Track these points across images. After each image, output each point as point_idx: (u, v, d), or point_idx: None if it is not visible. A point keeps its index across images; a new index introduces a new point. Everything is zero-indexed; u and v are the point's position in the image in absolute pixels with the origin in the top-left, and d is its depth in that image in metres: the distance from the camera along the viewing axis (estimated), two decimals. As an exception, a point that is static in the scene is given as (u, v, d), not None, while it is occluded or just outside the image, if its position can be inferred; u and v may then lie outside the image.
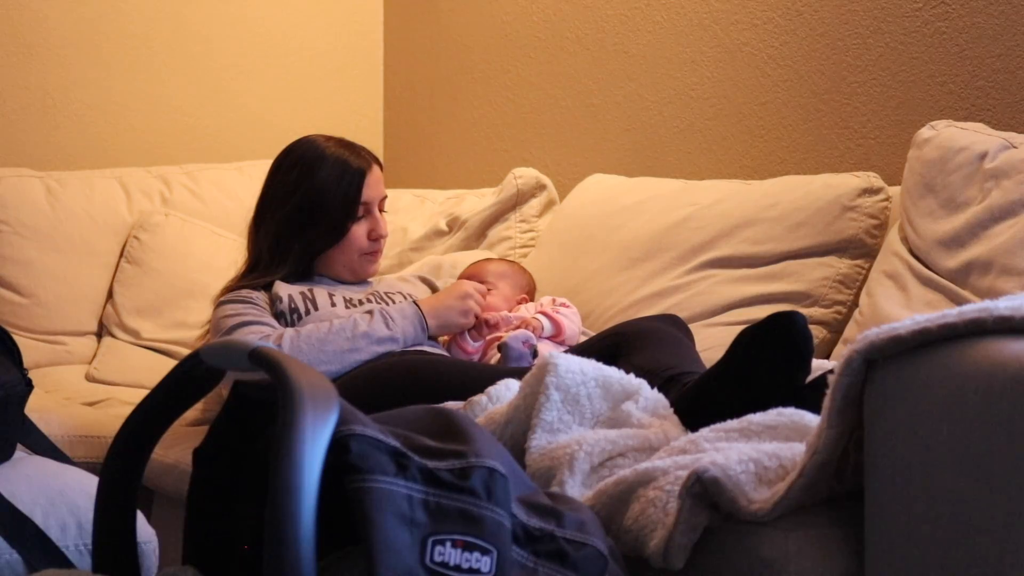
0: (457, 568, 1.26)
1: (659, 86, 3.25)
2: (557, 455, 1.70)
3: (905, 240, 2.48)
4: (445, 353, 2.56)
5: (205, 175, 3.46)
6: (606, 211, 2.98)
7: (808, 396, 1.80)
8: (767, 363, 1.80)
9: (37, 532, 1.74)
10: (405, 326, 2.47)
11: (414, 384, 2.23)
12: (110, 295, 3.23)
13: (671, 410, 1.84)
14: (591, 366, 1.82)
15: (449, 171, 3.77)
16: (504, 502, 1.32)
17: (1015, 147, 2.36)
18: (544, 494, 1.45)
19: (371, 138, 3.83)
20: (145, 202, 3.34)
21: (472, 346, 2.59)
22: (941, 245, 2.38)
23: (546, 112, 3.52)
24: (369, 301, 2.58)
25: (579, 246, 2.97)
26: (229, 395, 1.44)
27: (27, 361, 2.05)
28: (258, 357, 1.32)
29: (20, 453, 1.94)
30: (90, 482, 1.76)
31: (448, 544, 1.26)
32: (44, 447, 2.00)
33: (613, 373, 1.83)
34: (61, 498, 1.81)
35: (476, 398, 1.90)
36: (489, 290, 2.72)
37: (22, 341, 2.37)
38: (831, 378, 1.51)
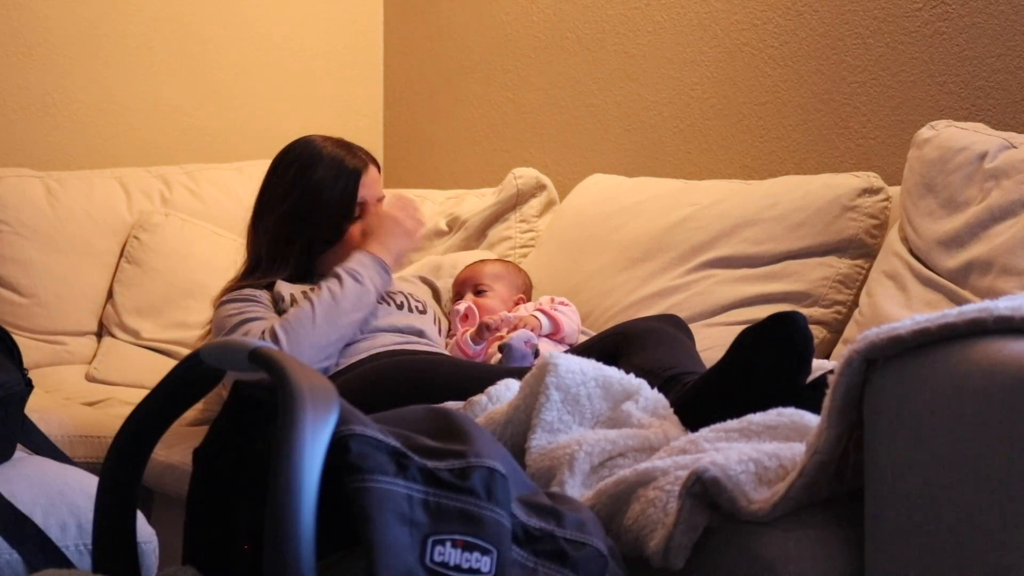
0: (457, 568, 1.26)
1: (659, 86, 3.25)
2: (557, 455, 1.70)
3: (905, 240, 2.48)
4: (446, 353, 2.56)
5: (205, 175, 3.46)
6: (606, 211, 2.98)
7: (808, 396, 1.80)
8: (767, 363, 1.80)
9: (37, 532, 1.74)
10: (371, 275, 2.49)
11: (414, 384, 2.24)
12: (110, 295, 3.23)
13: (671, 410, 1.84)
14: (591, 366, 1.82)
15: (449, 171, 3.77)
16: (504, 502, 1.32)
17: (1015, 147, 2.36)
18: (544, 494, 1.45)
19: (371, 138, 3.83)
20: (145, 202, 3.34)
21: (473, 349, 2.59)
22: (941, 245, 2.38)
23: (546, 112, 3.52)
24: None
25: (579, 246, 2.97)
26: (229, 395, 1.44)
27: (27, 361, 2.05)
28: (258, 357, 1.32)
29: (20, 453, 1.94)
30: (90, 482, 1.76)
31: (448, 544, 1.26)
32: (44, 447, 2.00)
33: (613, 373, 1.83)
34: (61, 498, 1.81)
35: (476, 398, 1.90)
36: (486, 293, 2.73)
37: (22, 341, 2.37)
38: (831, 378, 1.51)
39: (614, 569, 1.42)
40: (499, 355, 2.48)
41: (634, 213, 2.91)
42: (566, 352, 2.14)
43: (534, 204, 3.24)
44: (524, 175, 3.25)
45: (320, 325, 2.41)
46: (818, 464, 1.50)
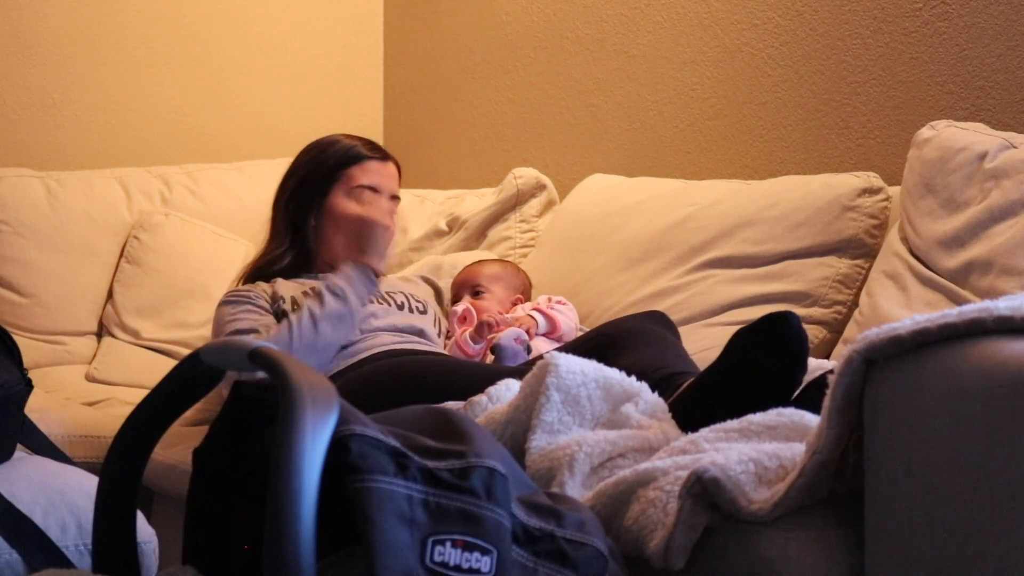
0: (457, 568, 1.26)
1: (659, 86, 3.25)
2: (557, 456, 1.70)
3: (905, 240, 2.48)
4: (445, 354, 2.56)
5: (205, 175, 3.46)
6: (606, 211, 2.98)
7: (808, 396, 1.80)
8: (762, 365, 1.80)
9: (37, 532, 1.74)
10: (356, 288, 2.48)
11: (415, 384, 2.24)
12: (110, 295, 3.23)
13: (668, 413, 1.84)
14: (592, 367, 1.81)
15: (449, 171, 3.77)
16: (504, 502, 1.32)
17: (1015, 147, 2.36)
18: (544, 494, 1.45)
19: (371, 138, 3.83)
20: (145, 202, 3.34)
21: (473, 348, 2.59)
22: (941, 245, 2.38)
23: (546, 112, 3.52)
24: (371, 301, 2.58)
25: (579, 246, 2.97)
26: (229, 395, 1.44)
27: (27, 361, 2.05)
28: (258, 357, 1.32)
29: (20, 453, 1.94)
30: (90, 482, 1.76)
31: (448, 544, 1.26)
32: (44, 447, 2.00)
33: (614, 375, 1.83)
34: (61, 498, 1.81)
35: (476, 398, 1.89)
36: (483, 294, 2.74)
37: (22, 341, 2.37)
38: (831, 378, 1.51)
39: (614, 569, 1.42)
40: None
41: (634, 213, 2.91)
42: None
43: (534, 204, 3.24)
44: (524, 175, 3.25)
45: (298, 351, 2.40)
46: (818, 464, 1.50)
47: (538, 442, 1.74)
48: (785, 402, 1.77)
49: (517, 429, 1.79)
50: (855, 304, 2.55)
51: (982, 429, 1.36)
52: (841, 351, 2.35)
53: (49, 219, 3.20)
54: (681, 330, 2.63)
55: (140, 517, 1.72)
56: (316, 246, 2.66)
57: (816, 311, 2.57)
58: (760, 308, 2.58)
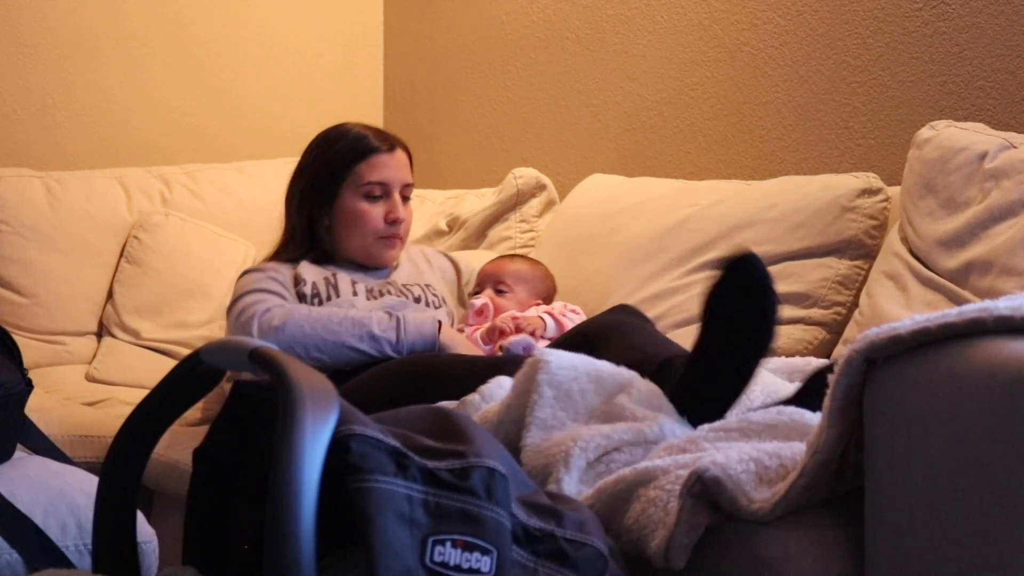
0: (457, 568, 1.26)
1: (659, 86, 3.25)
2: (552, 452, 1.70)
3: (905, 240, 2.48)
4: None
5: (205, 175, 3.46)
6: (606, 211, 2.98)
7: (807, 394, 1.79)
8: (741, 317, 1.76)
9: (37, 532, 1.74)
10: (415, 340, 2.47)
11: (414, 378, 2.24)
12: (110, 295, 3.23)
13: (665, 399, 1.82)
14: (582, 360, 1.81)
15: (449, 171, 3.77)
16: (504, 502, 1.32)
17: (1015, 147, 2.36)
18: (544, 494, 1.45)
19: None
20: (145, 202, 3.34)
21: (483, 348, 2.59)
22: (941, 245, 2.38)
23: (546, 112, 3.52)
24: (389, 293, 2.59)
25: (579, 246, 2.97)
26: (229, 395, 1.44)
27: (27, 361, 2.05)
28: (258, 357, 1.32)
29: (20, 453, 1.94)
30: (90, 482, 1.76)
31: (448, 544, 1.26)
32: (44, 447, 2.00)
33: (605, 367, 1.82)
34: (61, 498, 1.81)
35: (469, 397, 1.89)
36: (505, 293, 2.73)
37: (22, 341, 2.37)
38: (831, 378, 1.51)
39: (614, 569, 1.42)
40: None
41: (634, 214, 2.91)
42: None
43: (534, 204, 3.24)
44: (524, 175, 3.25)
45: (328, 341, 2.44)
46: (819, 464, 1.50)
47: (533, 439, 1.74)
48: (767, 348, 1.75)
49: (511, 427, 1.78)
50: (854, 305, 2.55)
51: (982, 429, 1.36)
52: (841, 352, 2.35)
53: (49, 219, 3.20)
54: (681, 332, 2.63)
55: (140, 517, 1.72)
56: (332, 245, 2.67)
57: (815, 312, 2.57)
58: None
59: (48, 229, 3.20)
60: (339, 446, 1.24)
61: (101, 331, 3.23)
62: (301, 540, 1.17)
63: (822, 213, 2.61)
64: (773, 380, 2.10)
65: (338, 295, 2.57)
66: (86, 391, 3.01)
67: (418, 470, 1.28)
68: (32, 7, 3.43)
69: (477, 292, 2.77)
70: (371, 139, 2.67)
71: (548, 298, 2.81)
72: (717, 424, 1.69)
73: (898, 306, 2.38)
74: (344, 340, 2.43)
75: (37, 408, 2.10)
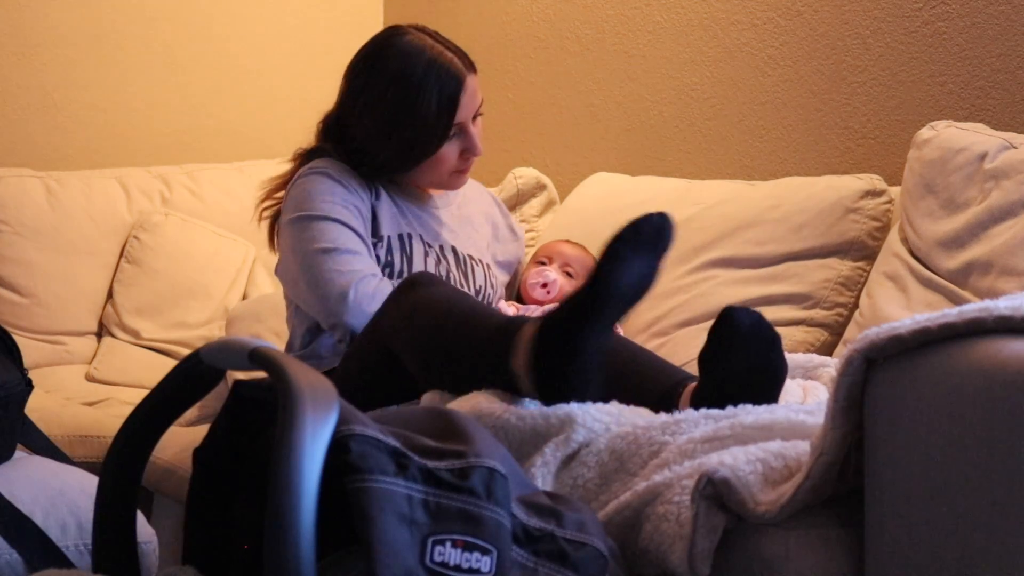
0: (457, 568, 1.26)
1: (659, 86, 3.25)
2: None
3: (905, 241, 2.48)
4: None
5: (205, 175, 3.46)
6: (608, 210, 2.98)
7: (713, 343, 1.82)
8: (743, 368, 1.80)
9: (37, 532, 1.74)
10: None
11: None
12: (110, 295, 3.23)
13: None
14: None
15: (449, 171, 3.77)
16: (504, 502, 1.32)
17: (1015, 147, 2.36)
18: (544, 494, 1.45)
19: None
20: (145, 202, 3.34)
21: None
22: (941, 246, 2.38)
23: (546, 112, 3.52)
24: (445, 259, 2.44)
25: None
26: (229, 395, 1.44)
27: (27, 361, 2.05)
28: (258, 357, 1.32)
29: (20, 453, 1.94)
30: (90, 482, 1.76)
31: (448, 544, 1.26)
32: (44, 447, 2.00)
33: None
34: (61, 498, 1.81)
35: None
36: (572, 277, 2.63)
37: (22, 341, 2.37)
38: (833, 378, 1.51)
39: (614, 569, 1.42)
40: None
41: (636, 212, 2.90)
42: None
43: (534, 204, 3.24)
44: (524, 175, 3.25)
45: (357, 304, 2.25)
46: (824, 465, 1.50)
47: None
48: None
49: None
50: (856, 306, 2.55)
51: (982, 429, 1.36)
52: (842, 352, 2.35)
53: (49, 219, 3.20)
54: (682, 332, 2.64)
55: (140, 517, 1.72)
56: (406, 176, 2.47)
57: (817, 313, 2.56)
58: (761, 309, 2.57)
59: (48, 229, 3.20)
60: (339, 446, 1.24)
61: (101, 331, 3.23)
62: (301, 540, 1.17)
63: (825, 214, 2.61)
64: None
65: (410, 267, 2.38)
66: (86, 391, 3.01)
67: (418, 470, 1.28)
68: (33, 7, 3.43)
69: (542, 264, 2.65)
70: (452, 65, 2.38)
71: None
72: (709, 432, 1.66)
73: (898, 307, 2.38)
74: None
75: (37, 408, 2.10)
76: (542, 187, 3.26)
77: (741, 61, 3.08)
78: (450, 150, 2.42)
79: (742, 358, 1.79)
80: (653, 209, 2.84)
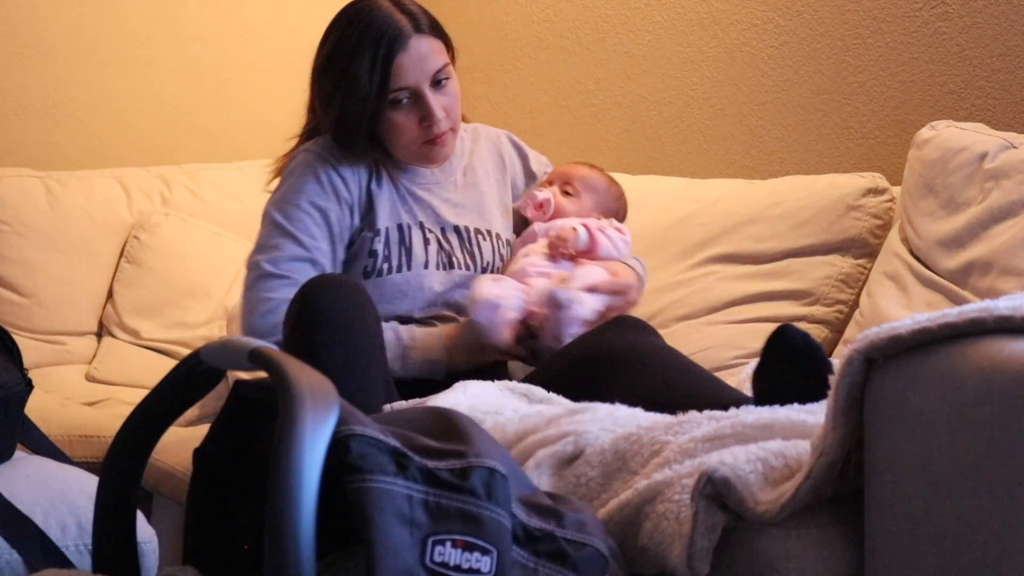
0: (457, 568, 1.26)
1: (659, 86, 3.25)
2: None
3: (905, 240, 2.48)
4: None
5: (205, 175, 3.46)
6: (608, 208, 2.98)
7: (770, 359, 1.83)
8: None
9: (37, 532, 1.74)
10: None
11: None
12: (110, 295, 3.23)
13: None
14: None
15: (449, 171, 3.77)
16: (504, 502, 1.32)
17: (1015, 147, 2.36)
18: (544, 494, 1.45)
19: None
20: (145, 202, 3.34)
21: (532, 270, 2.34)
22: (941, 245, 2.38)
23: (546, 112, 3.52)
24: (450, 244, 2.36)
25: (581, 243, 2.97)
26: (229, 395, 1.44)
27: (27, 361, 2.05)
28: (258, 357, 1.32)
29: (20, 453, 1.94)
30: (90, 482, 1.76)
31: (448, 544, 1.26)
32: (44, 447, 2.00)
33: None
34: (61, 498, 1.81)
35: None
36: (570, 195, 2.47)
37: (22, 341, 2.37)
38: (833, 378, 1.50)
39: (614, 569, 1.42)
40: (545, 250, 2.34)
41: (638, 209, 2.90)
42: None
43: (534, 204, 3.24)
44: (524, 175, 3.25)
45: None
46: (825, 465, 1.50)
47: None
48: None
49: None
50: (856, 303, 2.55)
51: (982, 429, 1.36)
52: (842, 352, 2.35)
53: (49, 219, 3.20)
54: (682, 326, 2.64)
55: (140, 517, 1.72)
56: (381, 145, 2.36)
57: (818, 310, 2.57)
58: (762, 305, 2.59)
59: (48, 229, 3.20)
60: (339, 446, 1.24)
61: (101, 331, 3.23)
62: (301, 540, 1.17)
63: (827, 211, 2.61)
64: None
65: (410, 264, 2.31)
66: (86, 391, 3.01)
67: (418, 470, 1.28)
68: (32, 7, 3.42)
69: (543, 186, 2.53)
70: (388, 38, 2.26)
71: (617, 218, 2.52)
72: (710, 431, 1.67)
73: (898, 306, 2.38)
74: None
75: (37, 408, 2.10)
76: (542, 187, 3.26)
77: (741, 61, 3.08)
78: (405, 119, 2.29)
79: (799, 373, 1.79)
80: (655, 208, 2.86)
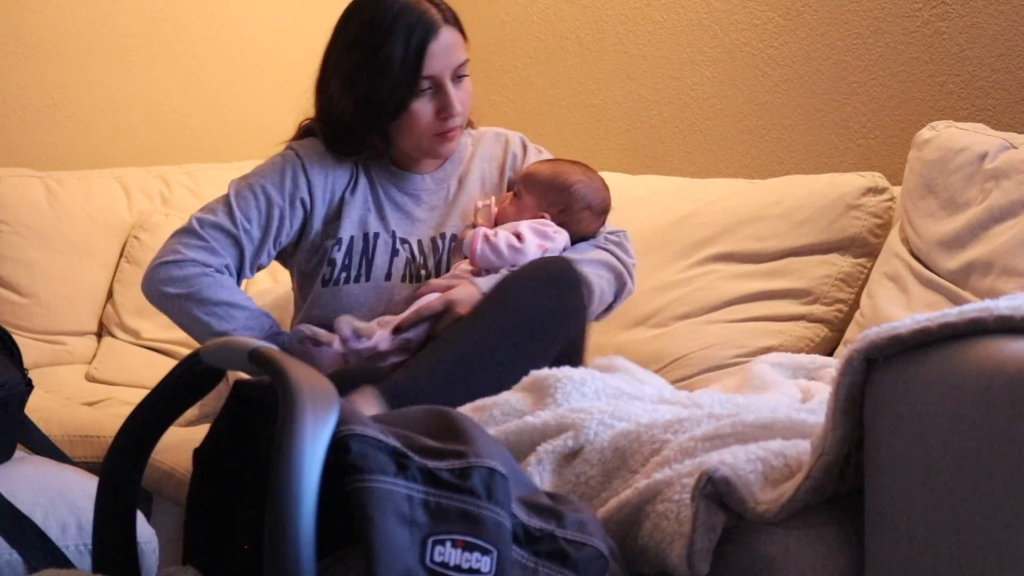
0: (457, 568, 1.26)
1: (659, 86, 3.25)
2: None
3: (906, 241, 2.48)
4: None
5: (205, 175, 3.46)
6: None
7: None
8: None
9: (37, 532, 1.74)
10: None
11: None
12: (110, 295, 3.24)
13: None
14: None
15: (449, 171, 3.77)
16: (504, 502, 1.32)
17: (1015, 147, 2.36)
18: (544, 494, 1.45)
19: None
20: (145, 202, 3.34)
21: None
22: (941, 246, 2.38)
23: (546, 112, 3.52)
24: (423, 261, 2.33)
25: (581, 242, 2.97)
26: (229, 395, 1.44)
27: (27, 361, 2.05)
28: (258, 357, 1.32)
29: (20, 453, 1.94)
30: (90, 482, 1.76)
31: (448, 544, 1.26)
32: (44, 447, 2.00)
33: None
34: (61, 498, 1.81)
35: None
36: (518, 199, 2.35)
37: (22, 341, 2.37)
38: (834, 378, 1.51)
39: (614, 569, 1.42)
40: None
41: (638, 208, 2.91)
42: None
43: (534, 204, 3.24)
44: (524, 175, 3.25)
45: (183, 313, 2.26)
46: (825, 465, 1.50)
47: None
48: None
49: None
50: (856, 303, 2.55)
51: (982, 429, 1.36)
52: (842, 352, 2.35)
53: (49, 219, 3.20)
54: (682, 325, 2.63)
55: (140, 517, 1.72)
56: (388, 144, 2.34)
57: (817, 308, 2.57)
58: (761, 304, 2.59)
59: (48, 229, 3.20)
60: (339, 446, 1.24)
61: (101, 331, 3.23)
62: (301, 540, 1.17)
63: (826, 210, 2.61)
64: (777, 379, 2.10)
65: (369, 275, 2.30)
66: (86, 391, 3.01)
67: (418, 470, 1.28)
68: (32, 7, 3.42)
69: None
70: (422, 15, 2.25)
71: (574, 208, 2.37)
72: (711, 430, 1.67)
73: (899, 307, 2.38)
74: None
75: (37, 408, 2.10)
76: (542, 187, 3.26)
77: (741, 61, 3.08)
78: (423, 108, 2.26)
79: None
80: (655, 208, 2.86)
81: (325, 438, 1.22)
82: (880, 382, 1.46)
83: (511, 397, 1.86)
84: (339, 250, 2.30)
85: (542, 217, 2.32)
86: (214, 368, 1.43)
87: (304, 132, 2.43)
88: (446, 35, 2.28)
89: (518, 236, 2.26)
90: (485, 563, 1.27)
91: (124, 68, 3.56)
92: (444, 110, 2.27)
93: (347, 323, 2.20)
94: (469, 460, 1.31)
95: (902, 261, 2.46)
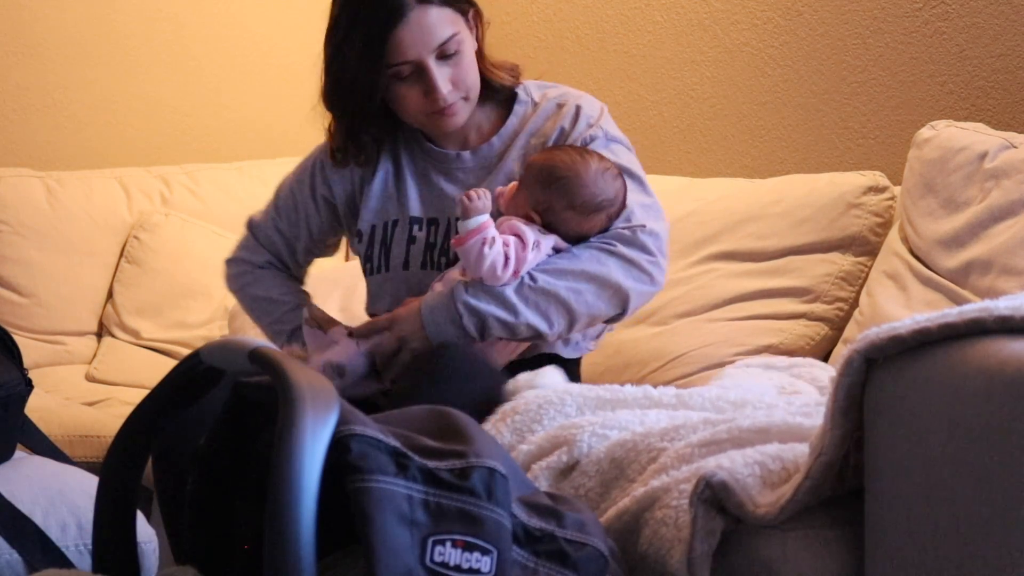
0: (457, 568, 1.26)
1: (659, 86, 3.25)
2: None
3: (905, 240, 2.48)
4: None
5: (205, 175, 3.46)
6: (609, 207, 2.98)
7: None
8: None
9: (37, 532, 1.74)
10: None
11: None
12: (110, 295, 3.24)
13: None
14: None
15: (449, 171, 3.77)
16: (504, 502, 1.32)
17: (1015, 147, 2.36)
18: (544, 494, 1.45)
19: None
20: (145, 202, 3.34)
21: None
22: (941, 245, 2.38)
23: (546, 112, 3.52)
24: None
25: (581, 241, 2.97)
26: (229, 395, 1.44)
27: (27, 361, 2.05)
28: (258, 357, 1.32)
29: (20, 453, 1.94)
30: (90, 482, 1.76)
31: (448, 544, 1.26)
32: (44, 447, 2.00)
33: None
34: (61, 498, 1.81)
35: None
36: (518, 191, 2.16)
37: (22, 341, 2.37)
38: (833, 378, 1.51)
39: (614, 569, 1.42)
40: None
41: (635, 212, 2.91)
42: None
43: (534, 204, 3.24)
44: (524, 175, 3.25)
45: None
46: (823, 465, 1.49)
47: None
48: None
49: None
50: (856, 301, 2.55)
51: (982, 429, 1.36)
52: (842, 351, 2.35)
53: (49, 219, 3.21)
54: (683, 323, 2.63)
55: (140, 517, 1.72)
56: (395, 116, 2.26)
57: (818, 307, 2.56)
58: (762, 302, 2.59)
59: (48, 229, 3.20)
60: (339, 446, 1.24)
61: (101, 331, 3.23)
62: (301, 540, 1.17)
63: (827, 209, 2.61)
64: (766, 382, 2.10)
65: (388, 265, 2.24)
66: (86, 391, 3.01)
67: (418, 470, 1.28)
68: (32, 7, 3.43)
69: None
70: (384, 13, 2.16)
71: (559, 206, 2.13)
72: (707, 436, 1.66)
73: (898, 306, 2.38)
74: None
75: (37, 408, 2.10)
76: (542, 187, 3.25)
77: (741, 61, 3.08)
78: (408, 92, 2.17)
79: None
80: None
81: (325, 438, 1.22)
82: (880, 382, 1.46)
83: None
84: (361, 243, 2.27)
85: (529, 218, 2.13)
86: (214, 368, 1.43)
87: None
88: (417, 15, 2.14)
89: (506, 259, 2.07)
90: (485, 563, 1.27)
91: (124, 68, 3.56)
92: (430, 92, 2.16)
93: (306, 308, 2.25)
94: (469, 460, 1.31)
95: (902, 260, 2.46)
